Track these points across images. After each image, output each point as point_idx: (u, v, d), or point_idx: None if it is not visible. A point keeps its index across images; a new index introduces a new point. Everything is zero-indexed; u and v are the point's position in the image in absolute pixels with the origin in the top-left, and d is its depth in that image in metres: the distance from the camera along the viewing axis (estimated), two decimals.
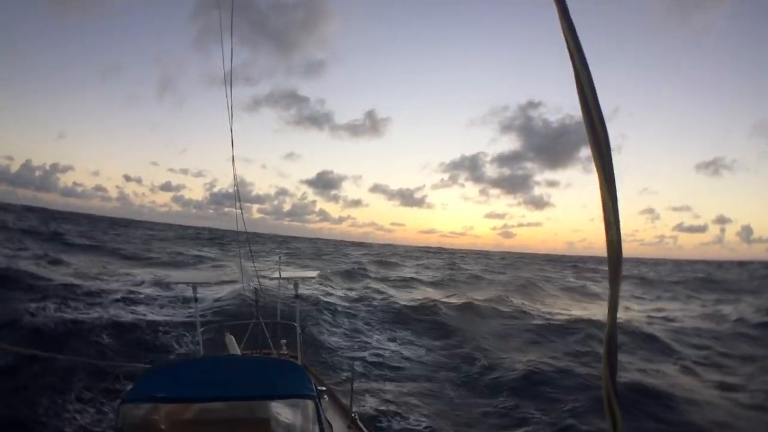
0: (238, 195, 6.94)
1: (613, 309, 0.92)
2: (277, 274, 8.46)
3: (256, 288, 8.91)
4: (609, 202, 0.89)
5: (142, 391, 4.02)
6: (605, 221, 0.90)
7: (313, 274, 9.65)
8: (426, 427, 9.60)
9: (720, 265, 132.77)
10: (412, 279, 36.27)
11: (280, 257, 9.20)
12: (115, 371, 10.19)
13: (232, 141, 6.67)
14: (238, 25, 5.56)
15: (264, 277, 8.99)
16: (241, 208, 7.16)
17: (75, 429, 8.42)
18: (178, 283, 8.03)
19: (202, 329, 7.58)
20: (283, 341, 9.23)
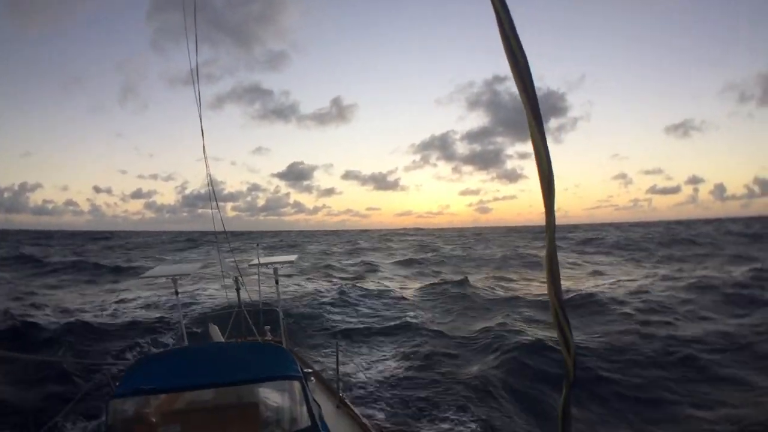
0: (214, 195, 6.87)
1: (550, 230, 0.97)
2: (255, 261, 8.47)
3: (236, 276, 8.90)
4: (537, 135, 0.96)
5: (129, 384, 4.04)
6: (535, 150, 0.97)
7: (292, 258, 9.66)
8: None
9: (689, 224, 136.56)
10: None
11: (258, 244, 9.17)
12: (103, 370, 10.12)
13: (203, 139, 6.54)
14: (197, 23, 5.44)
15: (243, 264, 8.98)
16: (218, 207, 7.09)
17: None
18: (156, 276, 7.97)
19: (185, 321, 7.59)
20: (267, 327, 9.27)
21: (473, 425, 8.93)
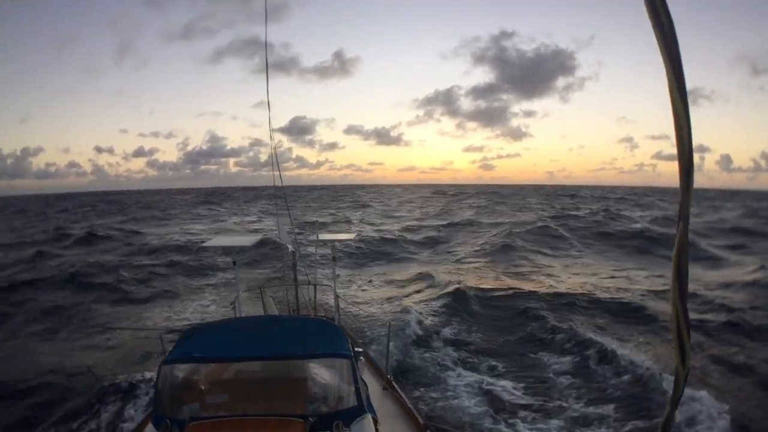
0: (277, 160, 6.86)
1: (684, 221, 0.83)
2: (314, 237, 8.48)
3: (293, 251, 8.97)
4: (680, 110, 0.84)
5: (180, 351, 4.09)
6: (676, 128, 0.84)
7: (351, 236, 9.60)
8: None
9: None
10: None
11: (316, 222, 9.17)
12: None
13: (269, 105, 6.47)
14: None
15: (302, 239, 9.03)
16: (279, 169, 7.10)
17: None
18: (214, 247, 8.13)
19: (242, 292, 7.71)
20: (321, 302, 9.33)
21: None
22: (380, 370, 6.83)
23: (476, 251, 26.03)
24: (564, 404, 9.37)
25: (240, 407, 3.91)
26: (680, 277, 0.83)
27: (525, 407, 9.23)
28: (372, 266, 21.82)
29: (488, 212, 53.27)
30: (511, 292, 16.46)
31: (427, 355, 11.14)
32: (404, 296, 16.57)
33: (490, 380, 9.98)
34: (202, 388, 4.12)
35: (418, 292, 17.32)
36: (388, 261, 23.71)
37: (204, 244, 7.69)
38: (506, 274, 20.48)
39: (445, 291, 16.17)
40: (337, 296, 8.33)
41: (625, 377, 10.00)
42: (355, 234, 10.05)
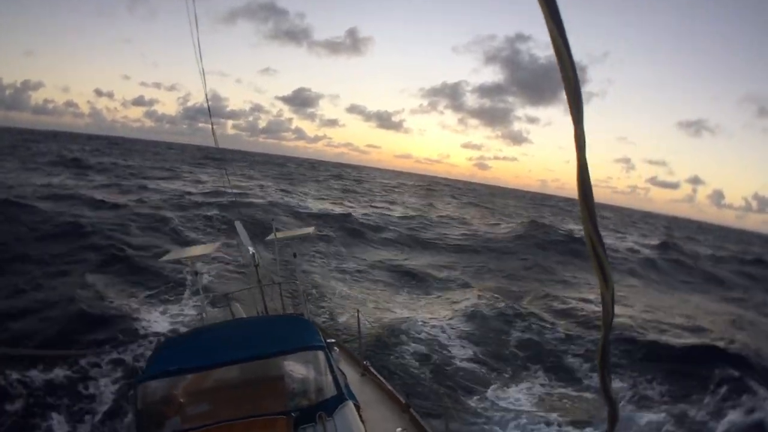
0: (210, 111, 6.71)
1: (581, 160, 0.87)
2: (271, 236, 8.45)
3: (253, 253, 8.90)
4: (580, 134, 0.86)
5: (155, 368, 4.06)
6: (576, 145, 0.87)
7: (309, 230, 9.59)
8: None
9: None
10: None
11: (273, 219, 9.14)
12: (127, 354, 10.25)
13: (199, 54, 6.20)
14: None
15: (260, 240, 8.98)
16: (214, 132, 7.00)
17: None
18: (173, 260, 7.99)
19: (206, 300, 7.63)
20: (287, 301, 9.31)
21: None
22: (356, 358, 6.93)
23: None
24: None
25: (222, 413, 3.92)
26: (588, 204, 0.87)
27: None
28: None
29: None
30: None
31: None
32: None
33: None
34: (182, 400, 4.09)
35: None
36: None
37: (163, 259, 7.54)
38: None
39: None
40: (303, 291, 8.35)
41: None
42: (313, 228, 10.03)
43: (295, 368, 4.34)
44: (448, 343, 11.71)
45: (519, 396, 9.51)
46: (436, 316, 13.49)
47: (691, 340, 13.16)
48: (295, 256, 8.33)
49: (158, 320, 12.33)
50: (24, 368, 8.76)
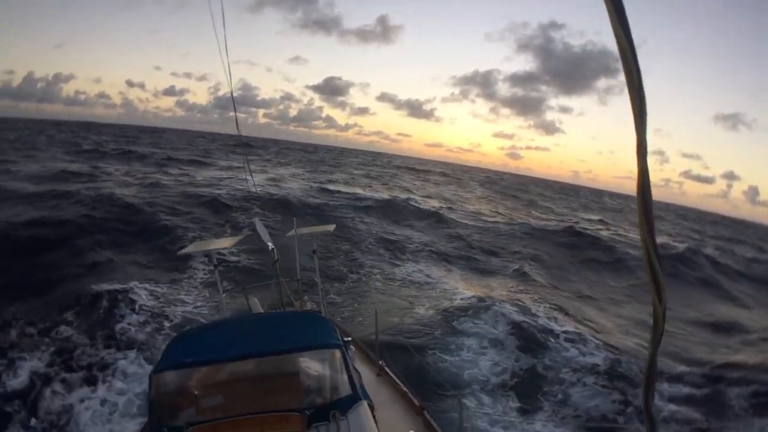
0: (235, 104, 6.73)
1: (642, 165, 0.85)
2: (292, 232, 8.44)
3: (272, 248, 8.92)
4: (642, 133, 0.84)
5: (171, 359, 4.07)
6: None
7: (330, 228, 9.56)
8: None
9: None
10: None
11: (294, 218, 9.14)
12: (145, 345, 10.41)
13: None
14: None
15: (281, 232, 8.99)
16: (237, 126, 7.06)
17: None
18: (194, 252, 8.03)
19: (224, 294, 7.66)
20: (306, 297, 9.31)
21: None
22: (372, 358, 6.88)
23: None
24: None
25: (236, 407, 3.91)
26: (647, 214, 0.85)
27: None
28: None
29: None
30: None
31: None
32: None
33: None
34: (196, 392, 4.10)
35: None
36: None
37: (182, 251, 7.59)
38: None
39: None
40: (321, 288, 8.33)
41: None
42: (334, 226, 9.96)
43: (311, 365, 4.31)
44: (476, 348, 11.51)
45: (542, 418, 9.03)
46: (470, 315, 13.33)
47: None
48: (315, 252, 8.31)
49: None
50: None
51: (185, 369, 4.11)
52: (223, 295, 7.54)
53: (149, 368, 8.68)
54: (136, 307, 12.19)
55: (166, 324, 11.51)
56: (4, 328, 10.14)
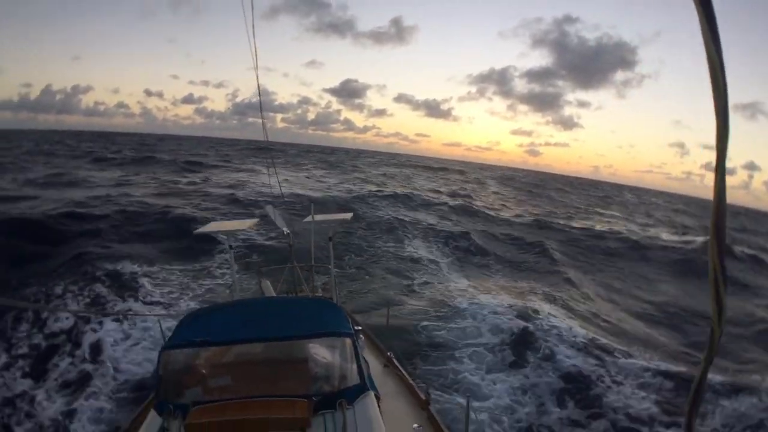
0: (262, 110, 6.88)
1: (719, 174, 0.80)
2: (309, 218, 8.43)
3: (288, 233, 8.93)
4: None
5: (181, 337, 4.08)
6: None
7: (347, 216, 9.51)
8: None
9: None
10: None
11: (312, 205, 9.13)
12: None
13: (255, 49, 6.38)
14: None
15: (297, 219, 9.00)
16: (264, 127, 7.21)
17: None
18: (209, 233, 8.06)
19: (237, 275, 7.70)
20: (318, 284, 9.32)
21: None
22: (380, 348, 6.87)
23: None
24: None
25: (243, 389, 3.91)
26: (719, 235, 0.81)
27: None
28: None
29: None
30: None
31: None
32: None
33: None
34: (204, 372, 4.11)
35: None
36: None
37: (198, 230, 7.63)
38: None
39: None
40: (334, 276, 8.32)
41: None
42: (351, 214, 9.92)
43: (321, 353, 4.29)
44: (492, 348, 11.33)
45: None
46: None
47: None
48: (330, 239, 8.29)
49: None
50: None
51: (194, 348, 4.12)
52: (236, 277, 7.57)
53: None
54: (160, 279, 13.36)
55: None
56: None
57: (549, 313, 13.16)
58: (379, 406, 3.96)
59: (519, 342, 11.18)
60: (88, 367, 9.08)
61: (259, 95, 6.89)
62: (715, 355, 0.86)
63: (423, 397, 5.49)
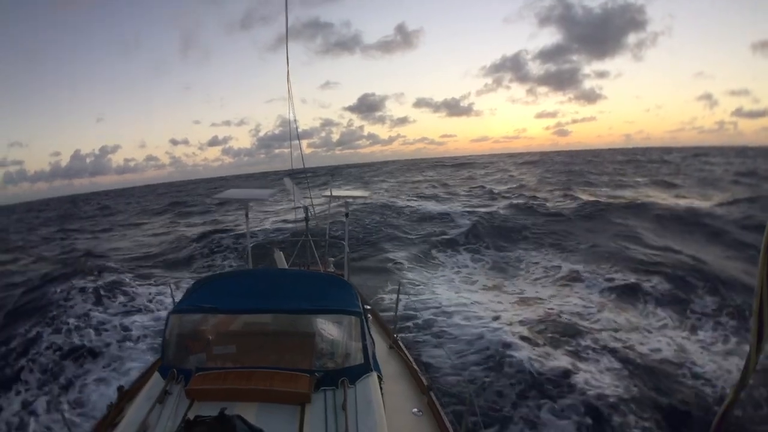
0: (297, 135, 7.00)
1: None
2: (327, 193, 8.38)
3: (306, 206, 8.90)
4: None
5: (190, 302, 4.09)
6: None
7: (366, 193, 9.43)
8: None
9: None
10: None
11: (330, 178, 9.05)
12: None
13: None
14: None
15: (315, 195, 8.95)
16: (300, 145, 7.28)
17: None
18: (229, 199, 8.06)
19: (252, 244, 7.70)
20: (331, 259, 9.30)
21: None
22: (387, 329, 6.83)
23: None
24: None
25: (247, 359, 3.91)
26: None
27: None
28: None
29: None
30: None
31: None
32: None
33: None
34: (210, 338, 4.11)
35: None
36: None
37: (217, 196, 7.64)
38: None
39: None
40: (348, 253, 8.29)
41: None
42: (369, 192, 9.86)
43: (328, 329, 4.27)
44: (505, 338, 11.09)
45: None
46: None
47: None
48: (347, 215, 8.24)
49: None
50: None
51: (202, 314, 4.13)
52: (250, 245, 7.58)
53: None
54: None
55: None
56: None
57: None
58: (381, 388, 3.93)
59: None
60: None
61: (297, 131, 7.03)
62: (751, 373, 0.80)
63: (425, 382, 5.46)
